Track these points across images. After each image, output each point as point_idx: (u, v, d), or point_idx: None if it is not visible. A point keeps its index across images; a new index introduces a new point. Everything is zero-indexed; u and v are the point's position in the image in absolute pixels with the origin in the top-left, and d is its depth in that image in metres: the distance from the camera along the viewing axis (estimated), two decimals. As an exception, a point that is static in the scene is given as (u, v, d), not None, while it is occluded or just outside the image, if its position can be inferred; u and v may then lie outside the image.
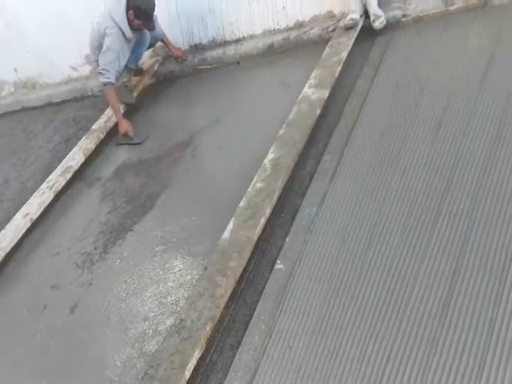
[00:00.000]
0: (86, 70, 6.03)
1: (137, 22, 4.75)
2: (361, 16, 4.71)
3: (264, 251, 3.15)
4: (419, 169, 3.15)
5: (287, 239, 3.13)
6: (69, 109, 5.89)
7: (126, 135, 4.90)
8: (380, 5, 4.69)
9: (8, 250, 4.01)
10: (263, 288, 2.91)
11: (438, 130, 3.35)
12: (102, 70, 4.83)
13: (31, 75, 6.43)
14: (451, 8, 4.50)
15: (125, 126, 4.91)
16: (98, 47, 4.94)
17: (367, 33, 4.68)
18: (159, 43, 5.43)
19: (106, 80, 4.84)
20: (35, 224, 4.26)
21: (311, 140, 3.79)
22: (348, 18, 4.71)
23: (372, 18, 4.65)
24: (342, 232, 3.00)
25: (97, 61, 5.00)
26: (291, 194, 3.45)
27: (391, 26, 4.66)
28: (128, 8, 4.70)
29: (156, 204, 3.98)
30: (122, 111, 5.15)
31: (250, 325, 2.75)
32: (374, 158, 3.38)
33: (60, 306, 3.46)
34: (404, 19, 4.67)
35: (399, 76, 4.03)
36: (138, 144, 4.81)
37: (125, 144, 4.89)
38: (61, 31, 5.76)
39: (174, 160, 4.40)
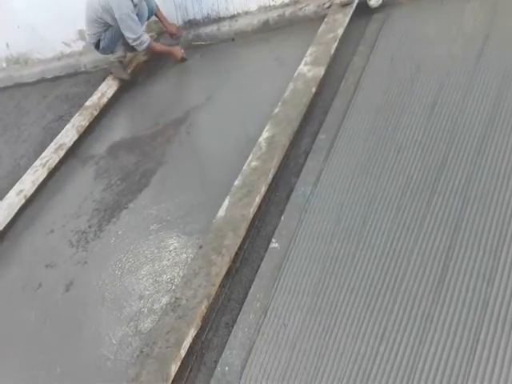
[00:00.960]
0: (79, 45, 5.95)
1: None
2: None
3: (259, 230, 3.14)
4: (415, 146, 3.14)
5: (282, 218, 3.12)
6: (62, 85, 5.83)
7: (182, 60, 5.22)
8: (376, -18, 4.64)
9: (2, 228, 4.02)
10: (258, 267, 2.92)
11: (434, 108, 3.33)
12: (135, 41, 4.91)
13: (23, 51, 6.36)
14: (448, -15, 4.45)
15: (179, 52, 5.19)
16: (96, 20, 4.91)
17: (363, 10, 4.61)
18: (154, 18, 5.36)
19: (145, 46, 4.99)
20: (29, 201, 4.26)
21: (307, 118, 3.76)
22: None
23: (368, -4, 4.60)
24: (336, 210, 3.00)
25: (93, 34, 5.01)
26: (286, 172, 3.43)
27: (388, 3, 4.59)
28: None
29: (151, 182, 3.97)
30: (116, 88, 5.12)
31: (245, 303, 2.76)
32: (370, 136, 3.37)
33: (55, 284, 3.47)
34: (400, -4, 4.63)
35: (395, 53, 3.99)
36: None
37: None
38: (53, 5, 5.65)
39: (168, 137, 4.37)
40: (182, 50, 5.19)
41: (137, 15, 4.92)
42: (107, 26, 4.92)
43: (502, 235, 2.47)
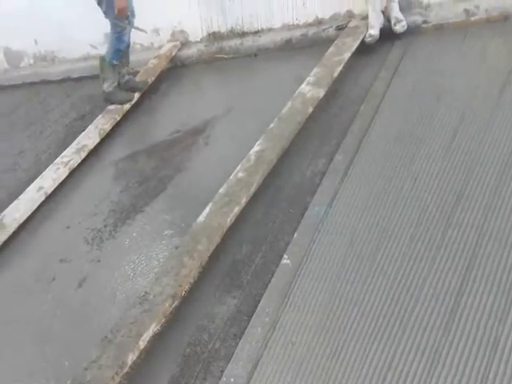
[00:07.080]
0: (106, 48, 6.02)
1: None
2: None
3: (271, 245, 3.19)
4: (431, 177, 3.16)
5: (295, 235, 3.16)
6: (86, 86, 5.92)
7: (121, 13, 4.52)
8: (401, 9, 4.70)
9: (21, 222, 4.09)
10: (269, 281, 2.95)
11: (453, 140, 3.36)
12: None
13: (51, 49, 6.48)
14: (472, 19, 4.52)
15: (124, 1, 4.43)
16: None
17: (386, 35, 4.70)
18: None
19: None
20: (48, 197, 4.33)
21: (324, 138, 3.83)
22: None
23: (393, 21, 4.67)
24: (350, 233, 3.02)
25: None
26: (301, 190, 3.49)
27: (411, 30, 4.68)
28: None
29: (167, 187, 4.04)
30: (139, 95, 5.20)
31: (253, 316, 2.79)
32: (387, 162, 3.40)
33: (68, 279, 3.53)
34: (424, 25, 4.70)
35: (416, 82, 4.05)
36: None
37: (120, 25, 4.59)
38: (83, 7, 5.71)
39: (186, 146, 4.45)
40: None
41: None
42: None
43: (516, 274, 2.46)
